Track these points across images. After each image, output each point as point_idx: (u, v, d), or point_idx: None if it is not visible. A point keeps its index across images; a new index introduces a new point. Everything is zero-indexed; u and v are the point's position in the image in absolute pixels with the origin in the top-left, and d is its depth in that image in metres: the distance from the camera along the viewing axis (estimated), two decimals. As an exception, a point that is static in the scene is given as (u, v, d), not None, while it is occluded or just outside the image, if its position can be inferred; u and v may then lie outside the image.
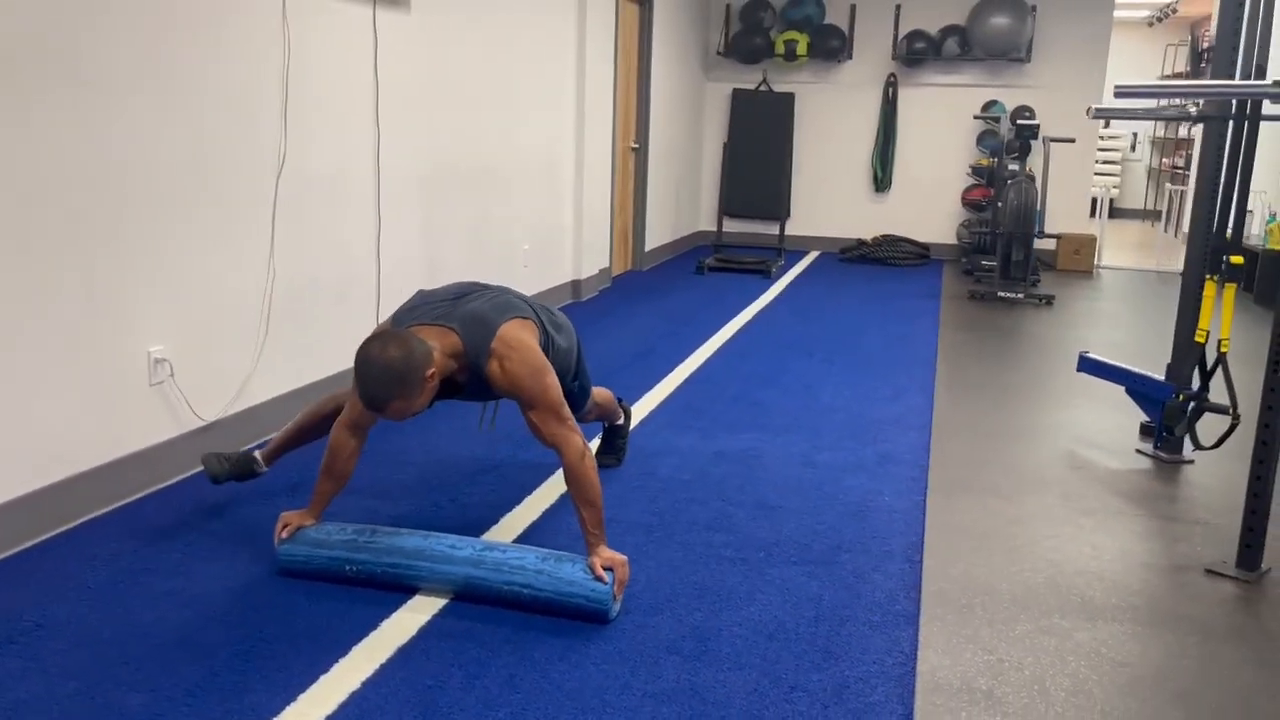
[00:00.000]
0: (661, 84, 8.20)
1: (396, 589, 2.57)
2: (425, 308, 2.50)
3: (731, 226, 9.68)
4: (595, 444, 3.63)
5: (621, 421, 3.54)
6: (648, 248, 8.26)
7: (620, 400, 3.52)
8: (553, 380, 2.50)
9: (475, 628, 2.42)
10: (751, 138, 9.59)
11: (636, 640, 2.38)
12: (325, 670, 2.21)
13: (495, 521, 3.04)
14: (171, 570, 2.66)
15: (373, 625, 2.41)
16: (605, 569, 2.43)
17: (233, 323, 3.47)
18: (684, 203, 9.35)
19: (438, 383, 2.41)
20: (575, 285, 6.67)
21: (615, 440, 3.54)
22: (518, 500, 3.20)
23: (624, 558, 2.49)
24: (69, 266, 2.83)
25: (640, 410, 4.22)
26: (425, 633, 2.39)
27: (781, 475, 3.50)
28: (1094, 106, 3.48)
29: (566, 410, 2.51)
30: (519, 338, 2.48)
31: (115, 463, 3.02)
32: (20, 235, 2.67)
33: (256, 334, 3.59)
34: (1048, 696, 2.21)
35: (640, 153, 7.94)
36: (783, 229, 8.82)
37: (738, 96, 9.63)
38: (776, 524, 3.08)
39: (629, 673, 2.24)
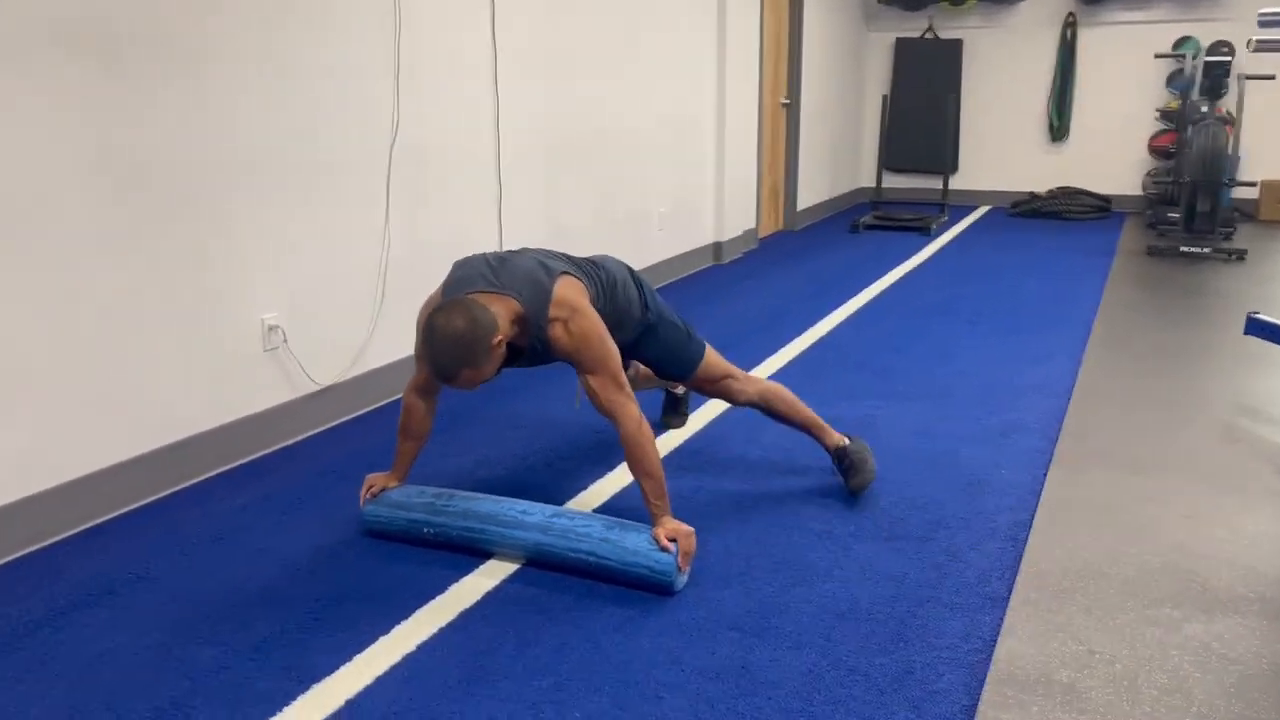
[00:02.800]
0: (816, 36, 7.92)
1: (473, 553, 2.60)
2: (475, 277, 2.47)
3: (894, 182, 9.30)
4: (651, 416, 3.58)
5: (679, 390, 3.45)
6: (800, 207, 8.04)
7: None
8: (612, 346, 2.45)
9: (541, 595, 2.41)
10: (915, 88, 9.17)
11: (698, 613, 2.32)
12: (385, 631, 2.26)
13: (585, 487, 3.02)
14: (270, 529, 2.78)
15: (442, 588, 2.45)
16: (670, 539, 2.38)
17: (347, 290, 3.59)
18: (842, 159, 9.05)
19: (504, 350, 2.40)
20: (717, 248, 6.57)
21: (677, 405, 3.49)
22: (613, 466, 3.17)
23: (689, 529, 2.42)
24: (185, 240, 2.98)
25: (763, 370, 4.11)
26: (490, 598, 2.40)
27: (893, 446, 3.33)
28: (1255, 38, 3.10)
29: (624, 378, 2.45)
30: (575, 299, 2.43)
31: (232, 424, 3.18)
32: (138, 212, 2.83)
33: (372, 301, 3.70)
34: (1136, 694, 2.01)
35: (792, 108, 7.72)
36: (946, 183, 8.41)
37: (901, 46, 9.21)
38: (875, 496, 2.94)
39: (682, 647, 2.18)
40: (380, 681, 2.08)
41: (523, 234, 4.54)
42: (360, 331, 3.66)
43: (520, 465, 3.20)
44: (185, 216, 2.98)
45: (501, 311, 2.39)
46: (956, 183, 9.07)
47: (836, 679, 2.06)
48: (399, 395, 3.83)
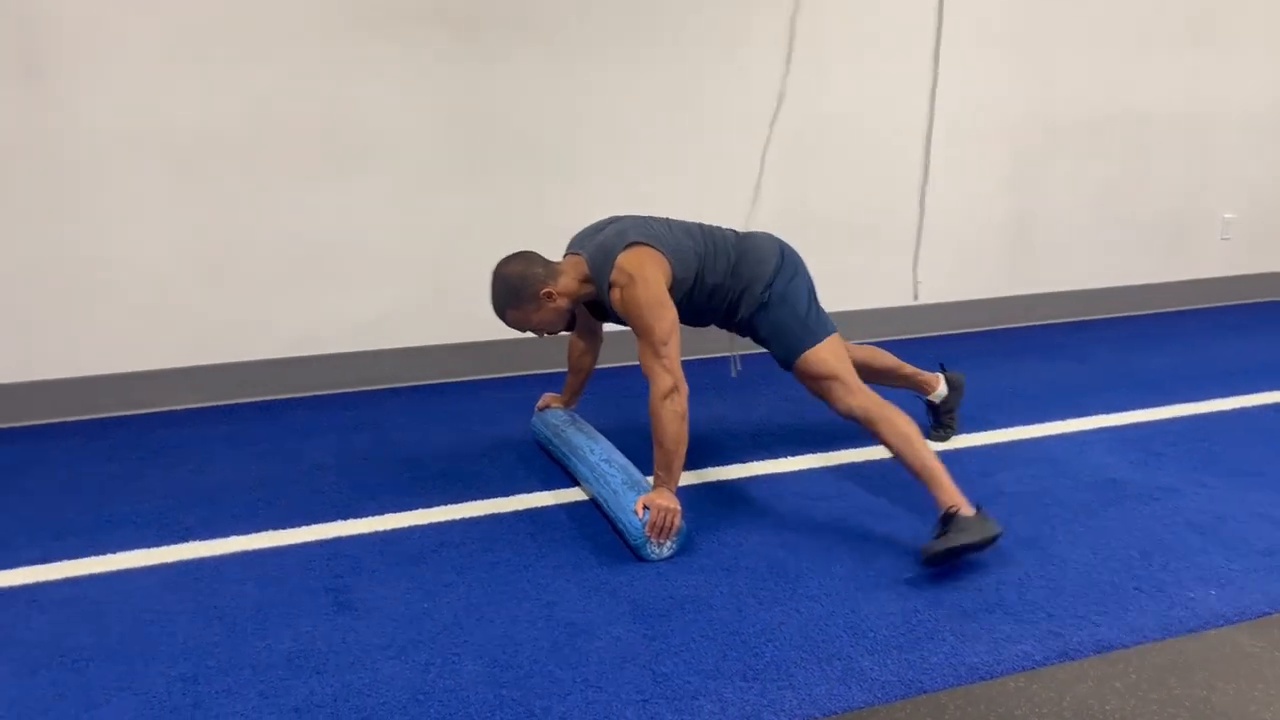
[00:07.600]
0: None
1: (570, 477, 2.89)
2: (581, 237, 2.70)
3: None
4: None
5: (933, 397, 3.15)
6: None
7: (943, 368, 3.18)
8: (662, 316, 2.46)
9: (562, 525, 2.62)
10: None
11: (630, 586, 2.32)
12: (428, 506, 2.72)
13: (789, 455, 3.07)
14: (489, 422, 3.35)
15: (506, 494, 2.80)
16: (646, 508, 2.41)
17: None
18: None
19: (565, 304, 2.60)
20: (1341, 274, 5.11)
21: (939, 415, 3.19)
22: (826, 448, 3.11)
23: (672, 506, 2.40)
24: (525, 183, 3.65)
25: (1127, 419, 3.38)
26: (525, 514, 2.68)
27: (1141, 528, 2.61)
28: None
29: (668, 350, 2.45)
30: (636, 268, 2.49)
31: (505, 340, 3.76)
32: (483, 157, 3.58)
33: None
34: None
35: None
36: None
37: None
38: (999, 566, 2.41)
39: (556, 602, 2.25)
40: (373, 535, 2.57)
41: (959, 217, 4.28)
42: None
43: (756, 429, 3.29)
44: (528, 164, 3.65)
45: (570, 271, 2.61)
46: None
47: (605, 691, 1.99)
48: (716, 351, 4.02)
